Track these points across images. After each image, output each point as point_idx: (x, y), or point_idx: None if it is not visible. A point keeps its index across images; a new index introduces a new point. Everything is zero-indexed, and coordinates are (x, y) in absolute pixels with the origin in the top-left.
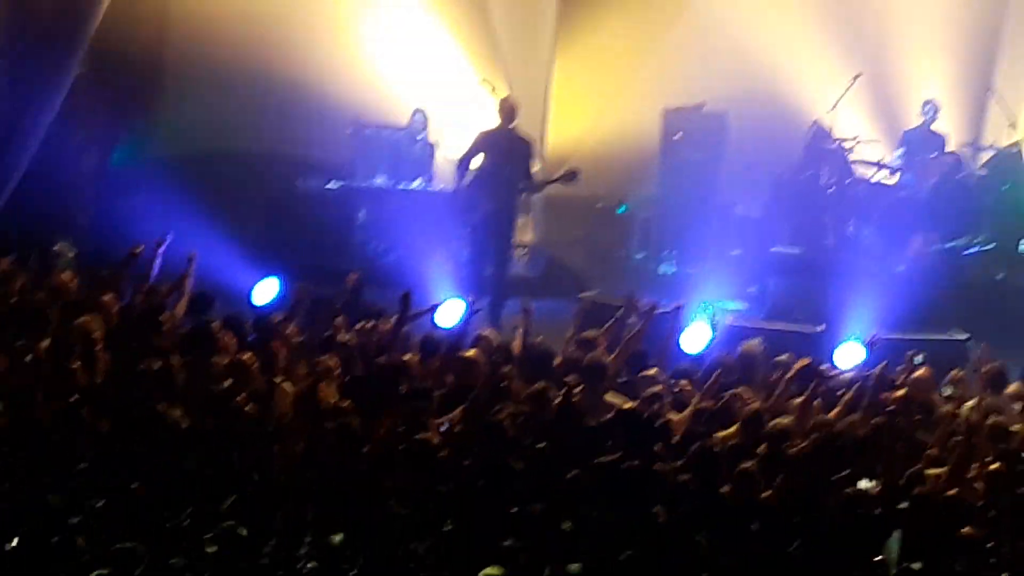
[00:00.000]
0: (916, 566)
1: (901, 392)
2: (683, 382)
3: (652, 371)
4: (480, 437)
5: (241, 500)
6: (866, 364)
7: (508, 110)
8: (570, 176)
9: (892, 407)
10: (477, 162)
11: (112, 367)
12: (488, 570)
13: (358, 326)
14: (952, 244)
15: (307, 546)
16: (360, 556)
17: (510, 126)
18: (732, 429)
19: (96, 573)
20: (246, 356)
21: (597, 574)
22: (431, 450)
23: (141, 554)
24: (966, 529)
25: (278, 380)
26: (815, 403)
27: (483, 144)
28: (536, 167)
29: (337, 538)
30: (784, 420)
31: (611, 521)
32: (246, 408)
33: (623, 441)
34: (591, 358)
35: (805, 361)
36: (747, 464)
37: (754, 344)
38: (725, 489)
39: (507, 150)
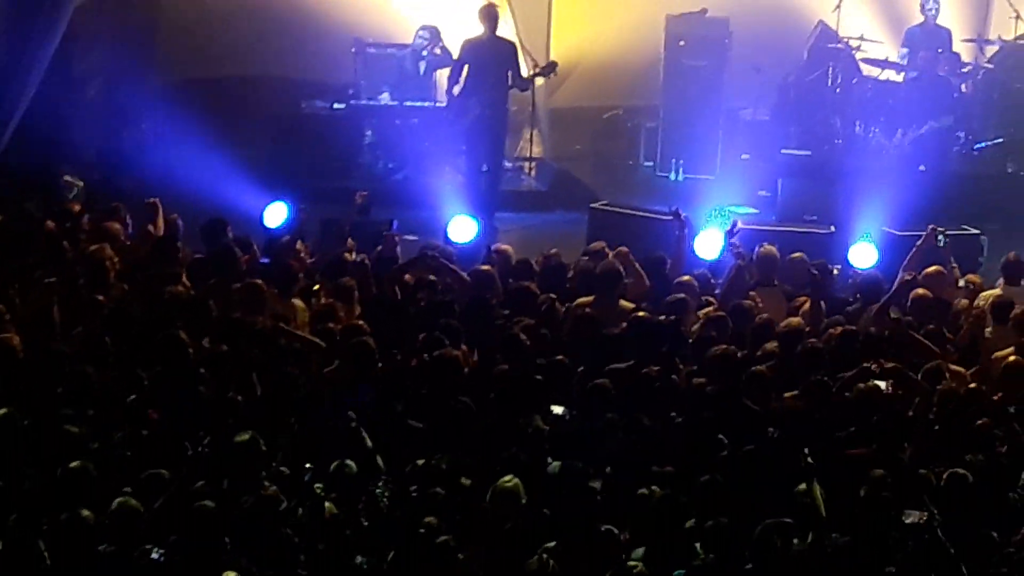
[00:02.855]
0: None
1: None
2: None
3: (687, 278)
4: (498, 350)
5: (258, 423)
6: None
7: (489, 16)
8: (550, 68)
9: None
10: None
11: (128, 294)
12: (504, 480)
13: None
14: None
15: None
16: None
17: (493, 31)
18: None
19: (119, 500)
20: (259, 280)
21: (620, 479)
22: (454, 365)
23: (166, 480)
24: (982, 421)
25: (294, 300)
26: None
27: (468, 52)
28: (530, 70)
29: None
30: (794, 320)
31: (631, 426)
32: (262, 330)
33: (640, 348)
34: (604, 266)
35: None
36: (760, 367)
37: (771, 247)
38: (743, 393)
39: (492, 55)
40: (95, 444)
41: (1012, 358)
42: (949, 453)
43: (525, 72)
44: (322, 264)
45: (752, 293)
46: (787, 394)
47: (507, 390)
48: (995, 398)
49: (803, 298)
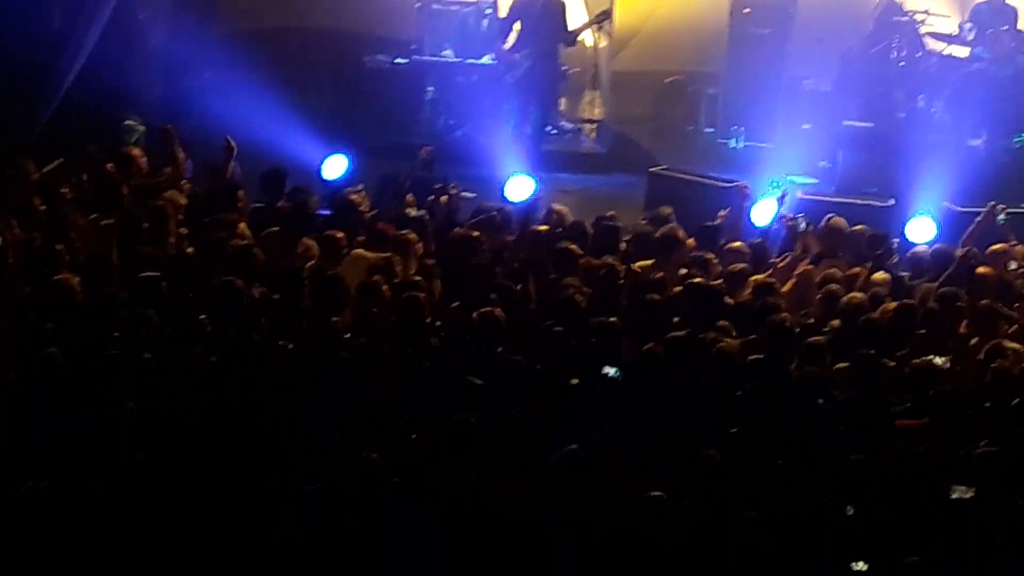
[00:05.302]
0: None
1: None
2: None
3: (737, 244)
4: (549, 311)
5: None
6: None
7: None
8: (603, 16)
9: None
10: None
11: (187, 240)
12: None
13: (428, 199)
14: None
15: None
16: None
17: None
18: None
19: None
20: (339, 233)
21: (668, 446)
22: (497, 323)
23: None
24: None
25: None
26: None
27: (517, 10)
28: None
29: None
30: (858, 296)
31: (679, 393)
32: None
33: (693, 315)
34: (664, 231)
35: None
36: (817, 338)
37: (840, 220)
38: (793, 364)
39: (540, 13)
40: (150, 386)
41: None
42: (1000, 431)
43: (575, 28)
44: (382, 218)
45: (810, 266)
46: (837, 365)
47: (561, 351)
48: None
49: (860, 269)
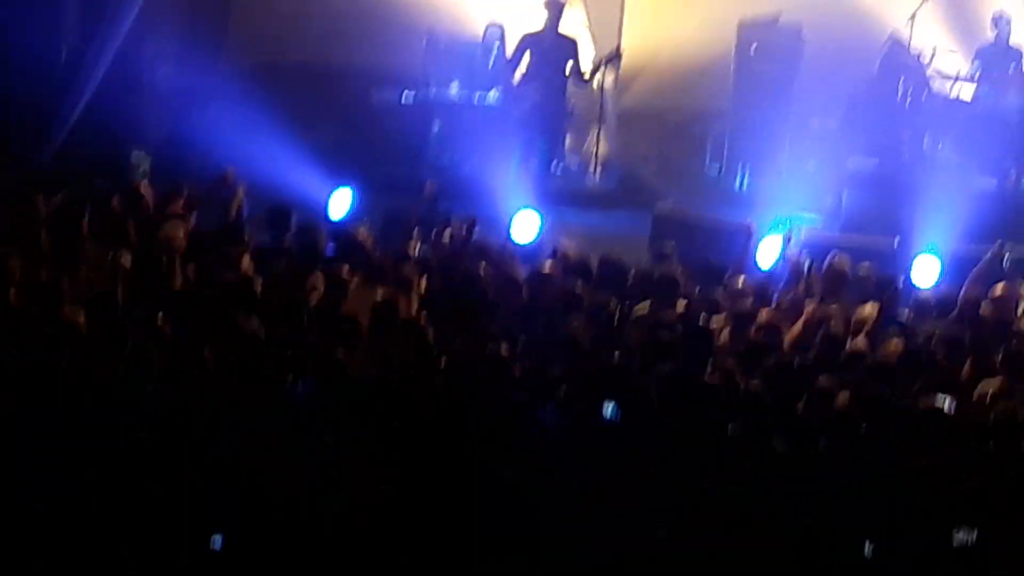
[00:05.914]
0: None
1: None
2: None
3: (741, 284)
4: (552, 350)
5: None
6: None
7: (554, 8)
8: (612, 55)
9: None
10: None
11: (193, 277)
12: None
13: (432, 235)
14: None
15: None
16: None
17: (555, 26)
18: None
19: None
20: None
21: (669, 484)
22: (503, 363)
23: None
24: None
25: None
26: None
27: (527, 45)
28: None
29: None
30: (864, 343)
31: (683, 434)
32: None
33: (695, 354)
34: (662, 272)
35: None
36: (824, 382)
37: (844, 261)
38: (800, 404)
39: (550, 50)
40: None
41: None
42: (1002, 474)
43: (586, 68)
44: (385, 255)
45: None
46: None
47: (565, 391)
48: None
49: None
